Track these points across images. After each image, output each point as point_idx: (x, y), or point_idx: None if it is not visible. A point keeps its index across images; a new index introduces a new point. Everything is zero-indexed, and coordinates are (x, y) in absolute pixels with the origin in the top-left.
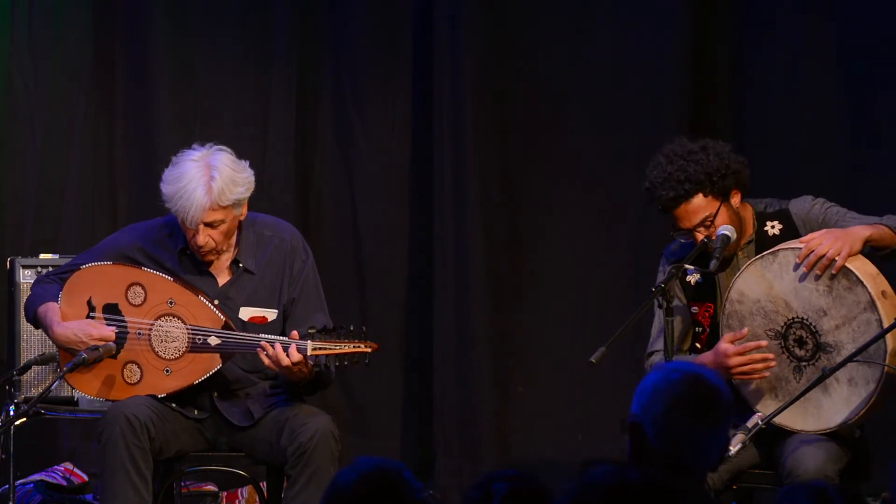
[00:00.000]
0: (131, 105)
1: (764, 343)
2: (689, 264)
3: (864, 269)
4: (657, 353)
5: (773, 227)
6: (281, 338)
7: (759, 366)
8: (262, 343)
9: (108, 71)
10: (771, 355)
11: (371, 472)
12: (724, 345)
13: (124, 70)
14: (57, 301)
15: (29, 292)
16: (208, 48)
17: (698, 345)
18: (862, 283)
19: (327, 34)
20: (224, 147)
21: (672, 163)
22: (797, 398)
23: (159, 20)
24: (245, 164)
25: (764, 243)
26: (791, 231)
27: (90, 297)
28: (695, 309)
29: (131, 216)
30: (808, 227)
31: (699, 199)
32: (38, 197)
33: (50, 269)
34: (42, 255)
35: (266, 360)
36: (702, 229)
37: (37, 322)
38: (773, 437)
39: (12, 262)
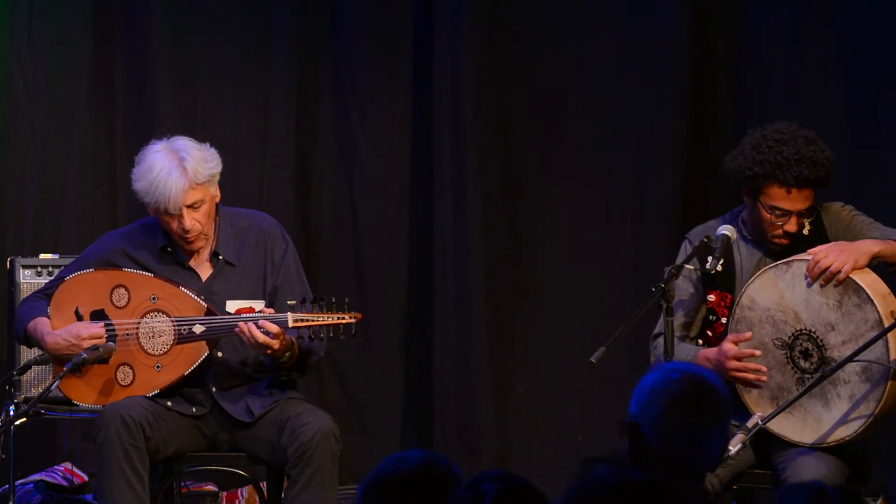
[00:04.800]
0: (131, 105)
1: (757, 353)
2: (690, 263)
3: (875, 287)
4: (663, 336)
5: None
6: (262, 314)
7: (751, 376)
8: (239, 324)
9: (108, 71)
10: (764, 368)
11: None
12: (727, 345)
13: (124, 70)
14: (45, 315)
15: (16, 315)
16: (208, 48)
17: (710, 332)
18: (872, 301)
19: (327, 34)
20: (181, 136)
21: (808, 144)
22: (797, 398)
23: (159, 20)
24: (207, 145)
25: (796, 241)
26: (820, 232)
27: (77, 307)
28: (711, 297)
29: (131, 216)
30: (832, 231)
31: (815, 189)
32: (38, 197)
33: (50, 268)
34: (42, 255)
35: (246, 341)
36: (799, 217)
37: (28, 340)
38: (769, 441)
39: (12, 262)
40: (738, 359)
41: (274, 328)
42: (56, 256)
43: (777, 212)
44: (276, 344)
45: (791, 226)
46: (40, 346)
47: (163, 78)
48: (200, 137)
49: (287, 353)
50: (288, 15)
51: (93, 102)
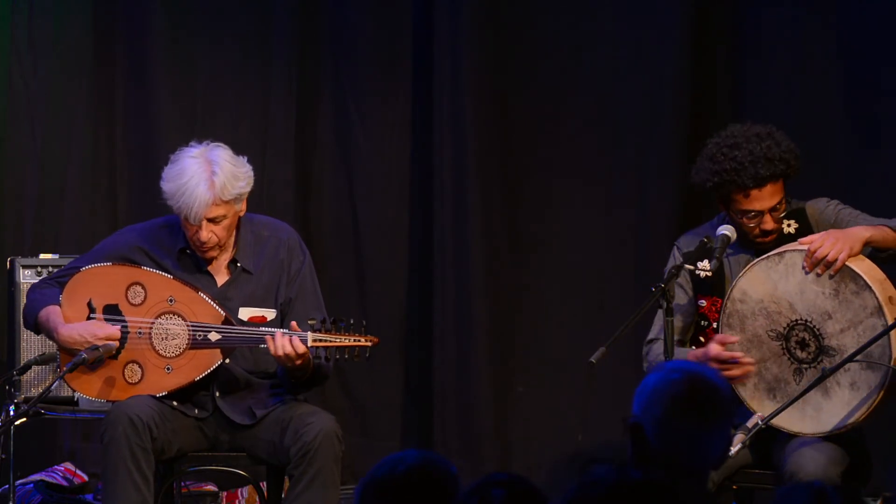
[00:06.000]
0: (131, 105)
1: (738, 354)
2: (690, 264)
3: (871, 273)
4: (657, 342)
5: (789, 225)
6: (282, 329)
7: (736, 372)
8: (275, 332)
9: (108, 71)
10: (751, 368)
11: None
12: (713, 346)
13: (124, 70)
14: (57, 304)
15: (25, 299)
16: (208, 48)
17: (702, 338)
18: (870, 287)
19: (327, 34)
20: (221, 143)
21: (760, 141)
22: (797, 398)
23: (159, 20)
24: (244, 160)
25: (780, 240)
26: (806, 230)
27: (90, 299)
28: (702, 302)
29: (131, 216)
30: (819, 228)
31: (780, 182)
32: (38, 197)
33: (50, 268)
34: (42, 255)
35: (273, 350)
36: (773, 213)
37: (37, 328)
38: (769, 439)
39: (12, 262)
40: (721, 361)
41: (302, 348)
42: (56, 256)
43: (750, 214)
44: (299, 361)
45: (767, 224)
46: (51, 336)
47: (163, 78)
48: (200, 137)
49: (303, 371)
50: (288, 15)
51: (93, 102)
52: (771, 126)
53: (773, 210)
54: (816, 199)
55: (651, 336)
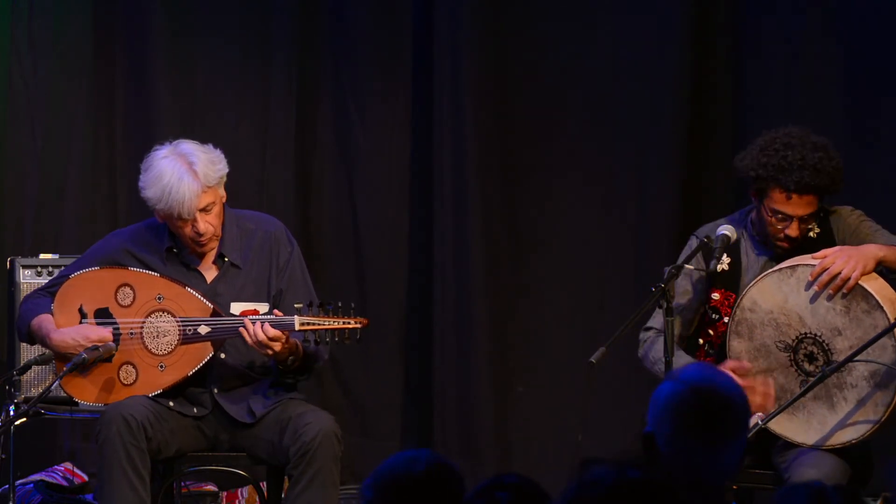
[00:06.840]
0: (131, 105)
1: (769, 388)
2: (688, 263)
3: (883, 293)
4: (659, 336)
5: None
6: (268, 316)
7: (757, 399)
8: (244, 321)
9: (108, 71)
10: (772, 392)
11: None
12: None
13: (124, 70)
14: (49, 312)
15: (18, 311)
16: (208, 48)
17: (711, 331)
18: (881, 307)
19: (327, 34)
20: (183, 139)
21: (815, 151)
22: (797, 398)
23: (159, 20)
24: (210, 146)
25: (802, 243)
26: (827, 235)
27: (81, 305)
28: (715, 295)
29: (131, 216)
30: (840, 235)
31: (819, 196)
32: (38, 197)
33: (50, 268)
34: (42, 255)
35: (248, 340)
36: (802, 223)
37: (31, 337)
38: (770, 442)
39: (12, 262)
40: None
41: (273, 332)
42: (56, 256)
43: (779, 215)
44: (277, 346)
45: (792, 230)
46: (44, 343)
47: (163, 78)
48: (200, 137)
49: (291, 357)
50: (288, 15)
51: (93, 102)
52: (826, 139)
53: (802, 219)
54: (842, 206)
55: (650, 324)
